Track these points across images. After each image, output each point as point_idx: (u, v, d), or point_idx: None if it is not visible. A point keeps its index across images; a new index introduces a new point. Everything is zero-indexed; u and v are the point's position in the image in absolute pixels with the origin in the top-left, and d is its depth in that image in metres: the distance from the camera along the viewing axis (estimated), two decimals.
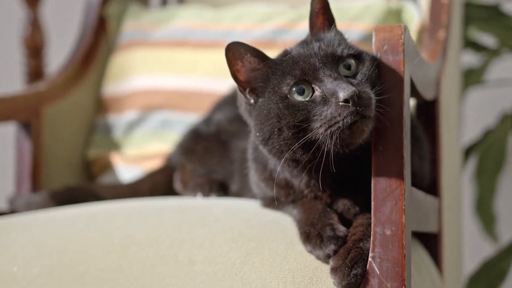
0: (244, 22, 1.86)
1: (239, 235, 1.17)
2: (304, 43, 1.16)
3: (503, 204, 2.41)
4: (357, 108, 1.04)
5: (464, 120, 2.34)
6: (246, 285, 1.12)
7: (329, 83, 1.07)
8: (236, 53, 1.12)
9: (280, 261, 1.12)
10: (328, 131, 1.06)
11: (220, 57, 1.81)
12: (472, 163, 2.21)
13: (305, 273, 1.10)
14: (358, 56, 1.12)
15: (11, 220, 1.38)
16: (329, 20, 1.18)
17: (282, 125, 1.09)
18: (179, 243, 1.18)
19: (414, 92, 1.25)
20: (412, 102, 1.49)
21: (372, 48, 1.10)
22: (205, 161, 1.55)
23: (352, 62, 1.11)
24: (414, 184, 1.17)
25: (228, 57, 1.13)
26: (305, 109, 1.08)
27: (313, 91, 1.09)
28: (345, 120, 1.05)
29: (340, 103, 1.04)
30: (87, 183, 1.82)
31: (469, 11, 2.02)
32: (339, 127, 1.05)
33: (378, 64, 1.10)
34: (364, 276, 1.06)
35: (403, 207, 1.05)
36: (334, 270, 1.07)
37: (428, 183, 1.37)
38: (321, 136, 1.07)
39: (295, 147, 1.09)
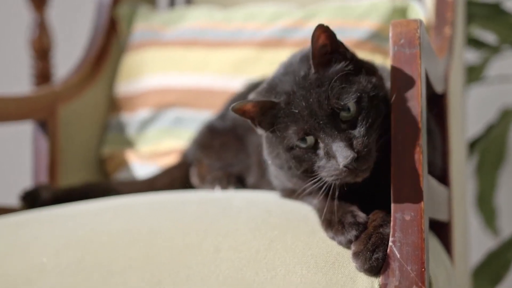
0: (254, 21, 1.91)
1: (262, 224, 1.22)
2: (305, 82, 1.17)
3: (504, 199, 2.47)
4: (356, 168, 1.12)
5: (466, 116, 2.39)
6: (271, 270, 1.16)
7: (330, 142, 1.13)
8: (241, 104, 1.18)
9: (303, 247, 1.17)
10: (332, 180, 1.15)
11: (231, 56, 1.87)
12: (474, 158, 2.26)
13: (327, 258, 1.15)
14: (359, 99, 1.15)
15: (37, 214, 1.42)
16: (331, 41, 1.18)
17: (291, 166, 1.18)
18: (204, 232, 1.23)
19: (427, 85, 1.30)
20: None
21: (389, 42, 1.15)
22: (222, 155, 1.59)
23: (351, 106, 1.15)
24: (429, 173, 1.22)
25: (235, 109, 1.19)
26: (310, 160, 1.16)
27: (316, 141, 1.15)
28: (345, 177, 1.14)
29: (340, 167, 1.12)
30: (105, 180, 1.86)
31: (470, 9, 2.08)
32: (341, 180, 1.15)
33: (377, 93, 1.16)
34: (385, 260, 1.10)
35: (422, 193, 1.10)
36: (356, 255, 1.12)
37: (440, 174, 1.42)
38: (327, 181, 1.16)
39: (306, 186, 1.19)
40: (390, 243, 1.11)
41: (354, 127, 1.14)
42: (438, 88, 1.41)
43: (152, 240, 1.24)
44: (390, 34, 1.14)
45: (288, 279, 1.15)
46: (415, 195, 1.10)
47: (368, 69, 1.20)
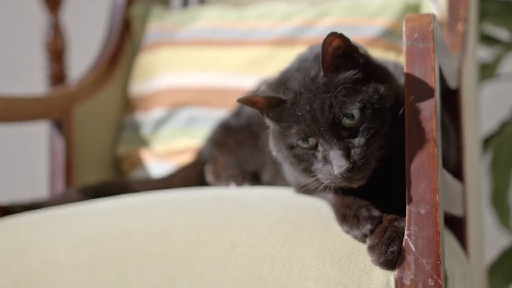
0: (267, 20, 1.91)
1: (277, 219, 1.22)
2: (312, 86, 1.17)
3: None
4: (350, 177, 1.14)
5: (479, 113, 2.39)
6: (287, 265, 1.16)
7: (328, 149, 1.15)
8: (250, 97, 1.20)
9: (318, 241, 1.17)
10: (327, 183, 1.17)
11: (244, 55, 1.88)
12: (488, 155, 2.26)
13: (343, 252, 1.15)
14: (363, 108, 1.15)
15: (54, 212, 1.44)
16: (345, 44, 1.17)
17: (292, 161, 1.21)
18: (219, 228, 1.23)
19: (441, 80, 1.31)
20: None
21: (403, 37, 1.15)
22: (237, 152, 1.60)
23: (355, 113, 1.15)
24: (443, 167, 1.22)
25: (242, 101, 1.21)
26: (309, 160, 1.18)
27: (317, 143, 1.17)
28: (340, 184, 1.17)
29: (334, 174, 1.14)
30: (120, 178, 1.88)
31: (483, 6, 2.07)
32: (335, 185, 1.17)
33: (383, 105, 1.16)
34: (400, 253, 1.11)
35: (437, 187, 1.10)
36: (371, 248, 1.12)
37: (454, 169, 1.42)
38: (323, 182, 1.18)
39: (307, 183, 1.21)
40: (405, 237, 1.11)
41: (355, 135, 1.15)
42: (452, 83, 1.41)
43: (167, 236, 1.24)
44: (404, 29, 1.15)
45: (304, 274, 1.15)
46: (430, 189, 1.10)
47: (379, 76, 1.19)
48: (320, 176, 1.17)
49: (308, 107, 1.16)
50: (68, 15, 2.17)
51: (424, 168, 1.11)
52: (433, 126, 1.12)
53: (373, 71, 1.19)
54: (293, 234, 1.19)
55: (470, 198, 1.54)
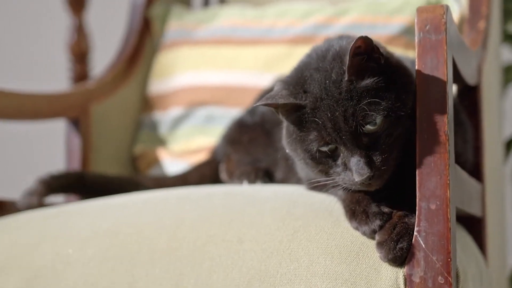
0: (286, 18, 1.90)
1: (287, 215, 1.20)
2: (335, 91, 1.13)
3: None
4: (370, 183, 1.12)
5: (504, 115, 2.34)
6: (294, 261, 1.14)
7: (349, 156, 1.12)
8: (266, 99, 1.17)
9: (326, 237, 1.15)
10: (345, 186, 1.15)
11: (262, 53, 1.87)
12: None
13: (351, 248, 1.13)
14: (386, 115, 1.11)
15: (67, 207, 1.44)
16: (367, 46, 1.13)
17: (308, 163, 1.17)
18: (228, 223, 1.22)
19: (457, 76, 1.28)
20: (453, 87, 1.51)
21: (415, 28, 1.12)
22: (250, 150, 1.58)
23: (378, 120, 1.12)
24: (458, 164, 1.19)
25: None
26: (327, 164, 1.15)
27: (337, 148, 1.14)
28: (358, 189, 1.14)
29: (354, 180, 1.12)
30: (135, 175, 1.87)
31: (508, 6, 2.04)
32: (353, 189, 1.15)
33: (406, 112, 1.12)
34: (409, 250, 1.08)
35: (448, 182, 1.07)
36: (380, 244, 1.09)
37: (471, 168, 1.38)
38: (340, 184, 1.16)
39: (322, 182, 1.19)
40: (415, 233, 1.08)
41: (376, 142, 1.12)
42: (470, 80, 1.38)
43: (176, 232, 1.23)
44: (416, 20, 1.12)
45: (311, 270, 1.13)
46: (441, 184, 1.07)
47: (400, 78, 1.15)
48: (338, 179, 1.15)
49: (329, 115, 1.12)
50: (91, 16, 2.17)
51: (435, 163, 1.08)
52: (445, 119, 1.09)
53: (395, 73, 1.15)
54: (301, 230, 1.17)
55: (489, 199, 1.50)
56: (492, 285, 1.47)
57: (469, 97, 1.44)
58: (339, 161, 1.14)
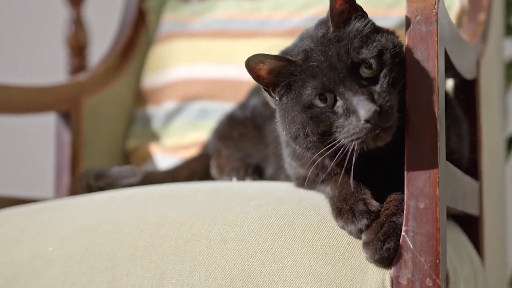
0: (282, 10, 1.86)
1: (272, 212, 1.16)
2: (324, 40, 1.12)
3: None
4: (379, 124, 1.05)
5: (507, 112, 2.28)
6: (278, 261, 1.10)
7: (350, 97, 1.07)
8: (257, 60, 1.12)
9: (312, 237, 1.10)
10: (352, 143, 1.07)
11: (258, 46, 1.82)
12: None
13: (337, 248, 1.08)
14: (380, 54, 1.10)
15: (51, 203, 1.41)
16: (350, 2, 1.14)
17: (307, 131, 1.11)
18: (212, 221, 1.18)
19: (451, 69, 1.23)
20: (450, 82, 1.46)
21: (405, 19, 1.08)
22: (241, 146, 1.55)
23: (373, 62, 1.09)
24: (452, 162, 1.14)
25: (249, 66, 1.12)
26: (328, 120, 1.09)
27: (335, 99, 1.08)
28: (367, 136, 1.06)
29: (361, 123, 1.05)
30: None
31: None
32: (362, 141, 1.06)
33: (399, 52, 1.10)
34: (397, 250, 1.03)
35: (437, 180, 1.02)
36: (366, 244, 1.05)
37: (467, 164, 1.33)
38: (345, 144, 1.08)
39: (322, 151, 1.10)
40: (403, 233, 1.04)
41: (375, 83, 1.08)
42: (467, 74, 1.33)
43: (158, 229, 1.20)
44: (406, 11, 1.08)
45: (295, 271, 1.09)
46: (430, 182, 1.03)
47: (388, 31, 1.15)
48: (343, 134, 1.07)
49: (322, 58, 1.09)
50: (89, 8, 2.14)
51: (424, 160, 1.04)
52: (436, 114, 1.04)
53: (382, 28, 1.15)
54: (286, 228, 1.13)
55: (488, 197, 1.45)
56: (489, 287, 1.42)
57: (466, 91, 1.39)
58: (340, 111, 1.07)
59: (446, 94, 1.25)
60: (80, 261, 1.21)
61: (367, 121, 1.04)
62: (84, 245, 1.22)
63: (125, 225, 1.22)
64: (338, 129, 1.08)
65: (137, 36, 2.01)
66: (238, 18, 1.89)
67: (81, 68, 2.01)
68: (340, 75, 1.07)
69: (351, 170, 1.09)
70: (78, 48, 2.03)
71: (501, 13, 1.73)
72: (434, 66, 1.05)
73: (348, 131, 1.07)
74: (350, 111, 1.06)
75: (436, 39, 1.05)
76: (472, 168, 1.37)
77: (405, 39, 1.66)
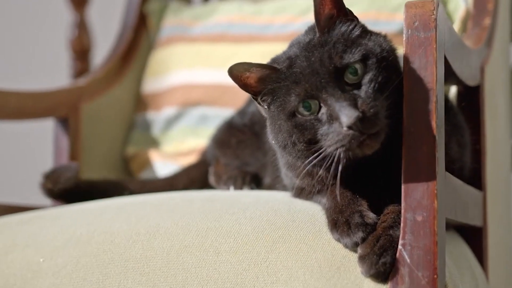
0: (284, 15, 1.82)
1: (267, 224, 1.13)
2: (309, 45, 1.10)
3: None
4: (362, 130, 1.01)
5: None
6: (272, 275, 1.07)
7: (332, 103, 1.04)
8: (241, 68, 1.10)
9: (307, 250, 1.07)
10: (337, 150, 1.04)
11: (258, 50, 1.79)
12: None
13: (332, 262, 1.05)
14: (364, 58, 1.07)
15: (44, 212, 1.38)
16: (338, 7, 1.11)
17: (294, 139, 1.08)
18: (205, 232, 1.15)
19: (453, 76, 1.19)
20: (453, 89, 1.43)
21: (403, 25, 1.04)
22: (239, 153, 1.52)
23: (358, 67, 1.06)
24: (452, 171, 1.11)
25: (234, 75, 1.10)
26: (312, 128, 1.06)
27: (320, 106, 1.06)
28: (351, 143, 1.02)
29: (344, 129, 1.02)
30: (123, 179, 1.80)
31: None
32: (346, 148, 1.03)
33: (387, 56, 1.07)
34: (393, 264, 1.00)
35: (435, 192, 0.99)
36: (362, 258, 1.01)
37: (470, 174, 1.30)
38: (331, 152, 1.05)
39: (310, 159, 1.07)
40: (399, 247, 1.00)
41: (360, 90, 1.05)
42: (470, 81, 1.29)
43: (150, 240, 1.17)
44: (404, 16, 1.04)
45: (289, 285, 1.06)
46: (428, 194, 0.99)
47: (379, 35, 1.12)
48: (327, 142, 1.04)
49: (305, 64, 1.07)
50: (94, 12, 2.11)
51: (421, 171, 1.00)
52: (433, 123, 1.01)
53: (371, 32, 1.12)
54: (281, 241, 1.10)
55: (491, 207, 1.41)
56: None
57: (469, 98, 1.35)
58: (324, 118, 1.05)
59: (447, 101, 1.22)
60: (71, 273, 1.18)
61: (349, 127, 1.01)
62: (75, 256, 1.20)
63: (117, 236, 1.20)
64: (323, 136, 1.05)
65: (138, 40, 1.98)
66: (239, 22, 1.86)
67: (84, 72, 1.99)
68: (322, 80, 1.05)
69: (339, 179, 1.06)
70: (81, 52, 2.01)
71: (508, 18, 1.69)
72: (432, 73, 1.02)
73: (332, 138, 1.04)
74: (333, 118, 1.04)
75: (435, 46, 1.02)
76: (475, 178, 1.33)
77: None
